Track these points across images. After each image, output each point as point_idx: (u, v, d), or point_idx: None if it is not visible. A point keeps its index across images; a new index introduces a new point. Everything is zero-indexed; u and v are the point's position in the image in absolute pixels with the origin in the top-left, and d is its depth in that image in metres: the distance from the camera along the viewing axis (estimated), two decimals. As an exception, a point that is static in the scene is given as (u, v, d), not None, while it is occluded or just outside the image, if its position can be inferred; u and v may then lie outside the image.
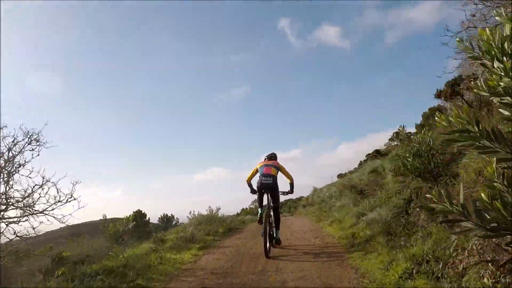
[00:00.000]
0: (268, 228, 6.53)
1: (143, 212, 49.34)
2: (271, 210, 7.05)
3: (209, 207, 12.79)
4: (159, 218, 50.71)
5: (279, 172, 7.28)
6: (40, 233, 6.21)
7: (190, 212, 12.48)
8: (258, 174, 7.24)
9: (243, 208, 46.49)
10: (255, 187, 7.25)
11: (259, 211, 6.96)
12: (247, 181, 7.55)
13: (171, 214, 49.76)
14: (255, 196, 7.53)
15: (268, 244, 6.45)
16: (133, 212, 49.31)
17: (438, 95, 12.94)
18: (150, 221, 53.99)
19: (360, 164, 25.78)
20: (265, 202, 7.15)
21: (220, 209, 12.64)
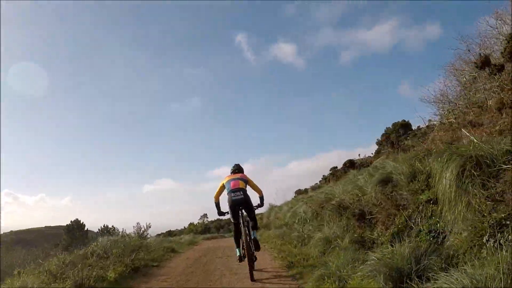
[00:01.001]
0: (250, 249, 6.30)
1: (81, 222, 43.38)
2: (249, 225, 6.66)
3: (137, 223, 9.97)
4: (99, 229, 45.27)
5: (247, 186, 6.90)
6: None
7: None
8: (225, 192, 6.82)
9: (191, 223, 40.77)
10: (225, 206, 6.83)
11: (237, 252, 6.77)
12: (214, 201, 7.07)
13: (112, 226, 44.42)
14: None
15: (252, 266, 6.26)
16: (71, 221, 43.27)
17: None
18: (89, 230, 48.10)
19: (325, 178, 21.82)
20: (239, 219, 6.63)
21: (150, 227, 11.76)
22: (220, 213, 6.96)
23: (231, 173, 7.24)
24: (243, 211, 6.65)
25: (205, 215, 79.26)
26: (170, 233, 65.84)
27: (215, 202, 7.04)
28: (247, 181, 6.90)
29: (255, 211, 7.02)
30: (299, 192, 23.28)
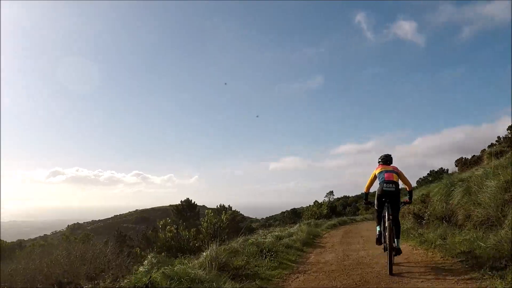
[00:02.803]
0: (391, 239, 6.10)
1: (193, 202, 44.77)
2: (392, 221, 6.31)
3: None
4: (216, 207, 46.55)
5: (399, 180, 6.72)
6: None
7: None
8: (377, 181, 6.78)
9: (315, 201, 38.67)
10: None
11: (377, 229, 6.85)
12: (365, 191, 7.20)
13: (228, 205, 45.13)
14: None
15: (392, 259, 6.12)
16: (181, 201, 45.03)
17: None
18: (209, 207, 50.00)
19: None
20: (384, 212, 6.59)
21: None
22: (367, 202, 7.39)
23: (381, 164, 7.03)
24: (388, 205, 6.48)
25: (331, 192, 76.90)
26: (294, 212, 65.60)
27: (365, 193, 7.26)
28: (399, 174, 6.78)
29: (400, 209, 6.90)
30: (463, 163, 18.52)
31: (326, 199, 59.52)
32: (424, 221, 10.95)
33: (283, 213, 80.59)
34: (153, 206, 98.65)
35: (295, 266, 7.70)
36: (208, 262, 6.75)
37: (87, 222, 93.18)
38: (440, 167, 41.07)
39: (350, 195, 78.28)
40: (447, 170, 39.94)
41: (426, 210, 10.85)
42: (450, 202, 8.99)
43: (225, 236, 10.52)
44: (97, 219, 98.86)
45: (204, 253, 7.20)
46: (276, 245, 9.58)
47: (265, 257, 7.82)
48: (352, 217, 26.87)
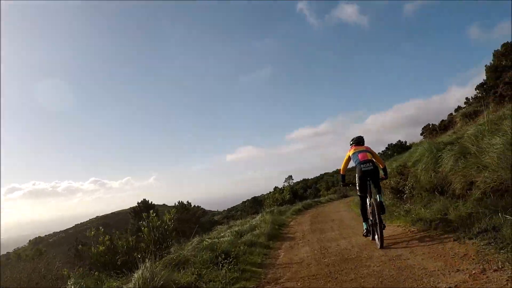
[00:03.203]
0: (378, 217, 5.96)
1: (150, 202, 42.04)
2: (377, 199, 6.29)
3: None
4: (175, 204, 44.10)
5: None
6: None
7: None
8: (352, 163, 6.89)
9: (275, 188, 37.13)
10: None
11: (364, 226, 6.84)
12: (341, 173, 7.34)
13: (188, 201, 42.72)
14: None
15: (383, 233, 5.94)
16: (137, 203, 42.10)
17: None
18: (169, 205, 47.40)
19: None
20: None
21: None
22: (345, 184, 7.56)
23: (354, 145, 7.06)
24: (371, 182, 6.51)
25: (290, 177, 76.29)
26: (255, 200, 64.31)
27: (342, 175, 7.36)
28: (372, 153, 6.80)
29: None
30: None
31: (286, 183, 58.44)
32: (405, 195, 9.46)
33: (244, 202, 79.77)
34: (113, 211, 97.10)
35: (263, 273, 5.78)
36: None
37: (48, 235, 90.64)
38: (397, 140, 41.09)
39: (309, 178, 78.28)
40: (405, 142, 40.05)
41: (407, 182, 9.34)
42: (440, 169, 7.45)
43: (171, 242, 8.42)
44: (58, 230, 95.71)
45: (136, 275, 5.11)
46: (237, 245, 7.65)
47: (222, 266, 5.84)
48: (316, 200, 25.50)
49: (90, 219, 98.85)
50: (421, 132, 18.39)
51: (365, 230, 6.80)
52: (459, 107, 18.59)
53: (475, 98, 14.64)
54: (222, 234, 10.50)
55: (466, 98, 17.53)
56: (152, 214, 9.09)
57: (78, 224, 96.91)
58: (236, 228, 10.33)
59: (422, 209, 7.12)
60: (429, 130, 16.07)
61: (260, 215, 15.40)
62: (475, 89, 16.18)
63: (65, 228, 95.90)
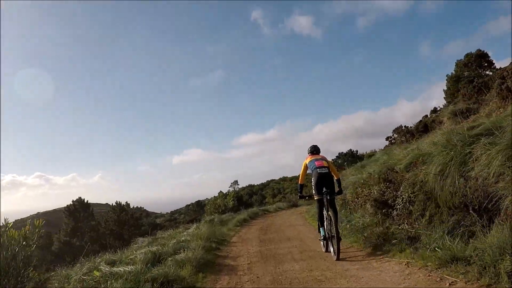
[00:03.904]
0: (335, 230, 5.95)
1: (86, 201, 37.47)
2: (330, 205, 6.42)
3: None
4: (114, 204, 39.72)
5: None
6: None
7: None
8: (309, 170, 6.91)
9: (220, 192, 33.65)
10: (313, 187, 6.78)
11: (321, 232, 6.74)
12: (300, 182, 7.30)
13: (126, 202, 38.45)
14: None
15: (338, 245, 5.89)
16: (72, 201, 37.39)
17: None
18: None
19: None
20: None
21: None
22: (302, 196, 7.35)
23: (310, 154, 7.16)
24: (326, 190, 6.47)
25: (235, 182, 73.23)
26: (198, 204, 60.62)
27: (300, 184, 7.33)
28: (328, 162, 6.94)
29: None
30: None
31: (231, 189, 55.41)
32: (394, 211, 6.74)
33: (187, 206, 76.66)
34: (55, 208, 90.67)
35: None
36: None
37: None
38: (348, 149, 39.61)
39: (255, 184, 75.95)
40: (357, 151, 38.60)
41: (399, 193, 6.63)
42: (473, 175, 4.72)
43: (27, 274, 4.97)
44: None
45: None
46: (139, 286, 4.45)
47: None
48: (263, 208, 22.50)
49: (30, 215, 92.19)
50: (389, 136, 16.17)
51: (322, 236, 6.69)
52: (435, 109, 16.87)
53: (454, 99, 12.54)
54: (132, 255, 7.17)
55: (434, 108, 16.00)
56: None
57: (18, 219, 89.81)
58: (154, 248, 7.04)
59: (448, 239, 4.35)
60: (404, 133, 13.80)
61: (195, 225, 12.15)
62: (447, 82, 14.93)
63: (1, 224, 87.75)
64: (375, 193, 7.43)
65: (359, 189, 8.67)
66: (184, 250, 6.89)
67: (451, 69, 26.84)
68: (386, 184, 7.40)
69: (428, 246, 4.71)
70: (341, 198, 10.25)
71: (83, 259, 7.32)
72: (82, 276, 5.49)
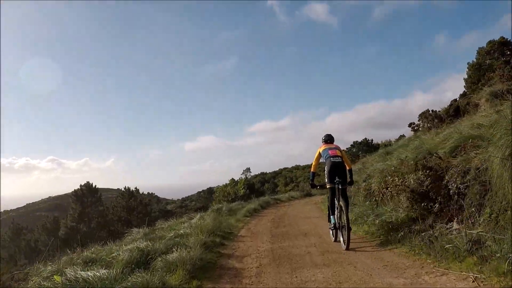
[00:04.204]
0: (346, 220, 5.90)
1: (93, 186, 36.74)
2: (342, 196, 6.32)
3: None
4: (123, 189, 38.97)
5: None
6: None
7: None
8: (323, 159, 6.86)
9: (231, 179, 32.41)
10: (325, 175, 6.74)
11: (331, 220, 6.58)
12: (312, 170, 7.21)
13: (135, 187, 37.73)
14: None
15: (348, 235, 5.83)
16: (80, 185, 36.66)
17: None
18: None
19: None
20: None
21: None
22: (313, 185, 7.28)
23: (324, 143, 7.07)
24: (339, 180, 6.36)
25: (248, 169, 72.19)
26: (210, 191, 59.87)
27: (312, 172, 7.22)
28: (341, 152, 6.86)
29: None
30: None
31: (243, 176, 54.39)
32: (437, 205, 5.45)
33: (199, 192, 76.36)
34: (67, 192, 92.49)
35: None
36: None
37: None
38: (364, 138, 38.01)
39: (268, 172, 74.82)
40: (372, 140, 37.01)
41: (447, 183, 5.31)
42: None
43: None
44: (9, 209, 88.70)
45: None
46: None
47: None
48: (275, 197, 21.28)
49: (42, 199, 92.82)
50: (412, 123, 14.67)
51: (332, 225, 6.61)
52: (464, 93, 15.38)
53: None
54: (123, 248, 6.02)
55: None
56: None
57: (29, 203, 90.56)
58: (143, 244, 5.88)
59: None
60: (430, 117, 12.33)
61: (199, 215, 10.99)
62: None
63: (15, 207, 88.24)
64: (412, 182, 6.12)
65: (389, 177, 7.35)
66: (179, 248, 5.70)
67: (466, 61, 25.34)
68: (426, 172, 6.07)
69: (497, 255, 3.45)
70: (364, 188, 8.96)
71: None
72: (41, 281, 4.36)
